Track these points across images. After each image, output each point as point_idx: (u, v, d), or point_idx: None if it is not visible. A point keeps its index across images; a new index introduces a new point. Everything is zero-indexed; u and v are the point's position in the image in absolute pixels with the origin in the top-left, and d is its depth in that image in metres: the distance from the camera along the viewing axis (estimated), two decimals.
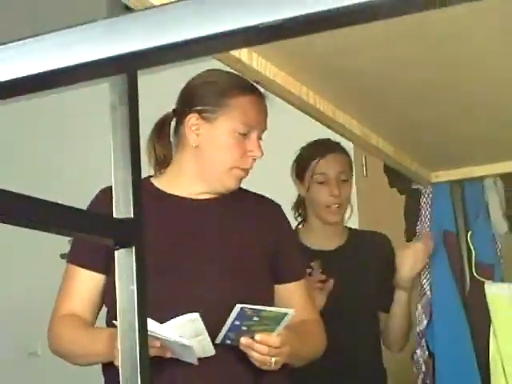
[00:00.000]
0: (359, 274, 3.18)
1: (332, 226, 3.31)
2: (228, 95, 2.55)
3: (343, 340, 3.12)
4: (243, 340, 2.39)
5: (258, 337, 2.38)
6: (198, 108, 2.55)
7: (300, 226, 3.41)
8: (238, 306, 2.38)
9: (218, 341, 2.43)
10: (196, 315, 2.33)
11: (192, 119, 2.55)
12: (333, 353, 2.95)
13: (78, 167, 5.22)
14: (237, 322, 2.41)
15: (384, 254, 3.38)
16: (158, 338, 2.26)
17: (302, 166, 3.29)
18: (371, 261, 3.32)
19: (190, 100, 2.60)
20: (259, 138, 2.59)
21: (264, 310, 2.44)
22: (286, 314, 2.46)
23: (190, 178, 2.61)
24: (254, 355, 2.40)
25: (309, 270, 3.03)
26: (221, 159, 2.56)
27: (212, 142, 2.56)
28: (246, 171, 2.59)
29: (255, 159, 2.57)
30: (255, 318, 2.43)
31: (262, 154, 2.57)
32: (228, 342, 2.45)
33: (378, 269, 3.32)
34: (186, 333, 2.33)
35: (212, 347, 2.40)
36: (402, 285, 3.27)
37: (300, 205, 3.39)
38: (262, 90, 2.54)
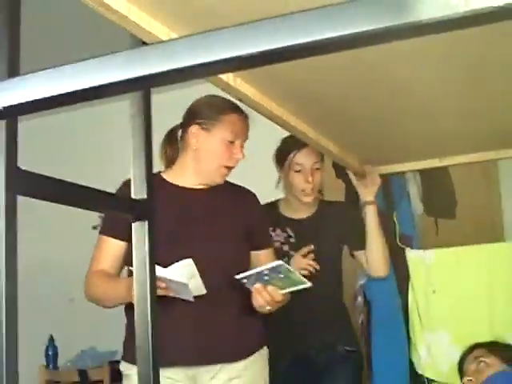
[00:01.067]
0: (325, 235, 3.17)
1: (306, 204, 3.27)
2: (222, 113, 2.62)
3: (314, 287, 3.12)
4: (258, 285, 2.46)
5: (270, 289, 2.46)
6: (200, 121, 2.62)
7: (281, 199, 3.37)
8: (279, 262, 2.44)
9: (238, 276, 2.46)
10: (190, 260, 2.38)
11: (194, 129, 2.62)
12: (306, 298, 2.98)
13: (107, 162, 5.21)
14: (265, 272, 2.44)
15: (345, 212, 3.35)
16: (163, 280, 2.29)
17: (281, 156, 3.25)
18: (335, 222, 3.27)
19: (193, 115, 2.67)
20: (242, 145, 2.65)
21: (293, 273, 2.49)
22: (303, 283, 2.51)
23: (190, 173, 2.67)
24: (259, 299, 2.48)
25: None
26: (213, 159, 2.62)
27: (208, 146, 2.62)
28: (230, 169, 2.65)
29: (238, 160, 2.63)
30: (280, 275, 2.46)
31: (244, 157, 2.64)
32: (244, 281, 2.47)
33: (344, 223, 3.29)
34: (183, 275, 2.36)
35: (203, 287, 2.42)
36: (368, 200, 3.26)
37: (282, 183, 3.35)
38: (245, 110, 2.64)
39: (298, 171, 3.18)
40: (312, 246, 3.06)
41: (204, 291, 2.43)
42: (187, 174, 2.68)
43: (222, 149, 2.61)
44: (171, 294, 2.37)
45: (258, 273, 2.45)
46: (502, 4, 0.62)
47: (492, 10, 0.63)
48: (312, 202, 3.29)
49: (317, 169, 3.19)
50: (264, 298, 2.47)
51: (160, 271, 2.28)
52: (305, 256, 3.05)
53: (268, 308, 2.51)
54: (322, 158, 3.22)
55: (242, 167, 2.66)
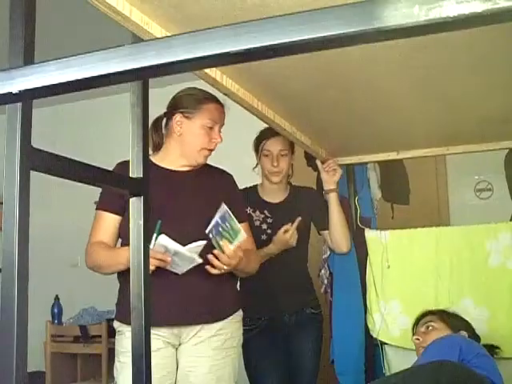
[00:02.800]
0: (296, 216, 3.18)
1: (276, 185, 3.30)
2: (201, 102, 2.64)
3: (280, 258, 3.16)
4: (210, 256, 2.47)
5: (222, 244, 2.50)
6: (182, 110, 2.64)
7: (259, 184, 3.40)
8: (224, 206, 2.52)
9: (207, 231, 2.48)
10: (204, 242, 2.44)
11: (178, 117, 2.64)
12: (280, 267, 3.12)
13: (108, 147, 5.18)
14: (219, 221, 2.49)
15: (313, 197, 3.38)
16: (170, 254, 2.37)
17: (256, 144, 3.30)
18: (305, 205, 3.30)
19: (176, 105, 2.67)
20: (219, 131, 2.67)
21: (233, 220, 2.54)
22: (240, 232, 2.55)
23: (175, 156, 2.68)
24: (215, 262, 2.47)
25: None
26: (195, 143, 2.63)
27: (190, 132, 2.63)
28: (211, 151, 2.67)
29: (217, 144, 2.65)
30: (227, 224, 2.52)
31: (221, 141, 2.66)
32: (210, 235, 2.48)
33: (312, 206, 3.32)
34: (193, 251, 2.43)
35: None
36: (330, 188, 3.28)
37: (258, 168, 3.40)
38: (222, 100, 2.65)
39: (266, 156, 3.25)
40: (290, 225, 3.09)
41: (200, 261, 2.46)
42: (172, 157, 2.68)
43: (202, 134, 2.62)
44: (167, 267, 2.41)
45: (215, 222, 2.49)
46: (456, 15, 0.62)
47: (448, 20, 0.63)
48: (283, 187, 3.35)
49: (282, 155, 3.25)
50: (220, 258, 2.48)
51: (178, 247, 2.37)
52: (285, 232, 3.09)
53: (226, 268, 2.50)
54: (290, 147, 3.26)
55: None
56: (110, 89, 5.34)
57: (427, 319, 2.82)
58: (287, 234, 3.08)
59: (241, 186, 3.00)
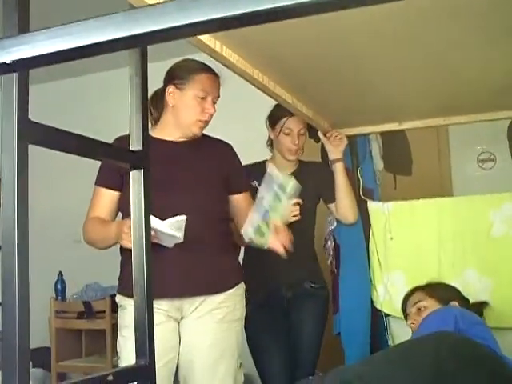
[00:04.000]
0: (303, 189, 3.18)
1: (289, 161, 3.32)
2: (193, 73, 2.62)
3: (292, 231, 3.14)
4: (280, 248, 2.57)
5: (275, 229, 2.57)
6: (175, 81, 2.63)
7: (268, 158, 3.41)
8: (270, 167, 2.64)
9: (247, 239, 2.55)
10: (183, 217, 2.37)
11: (170, 88, 2.63)
12: None
13: (107, 120, 5.16)
14: (264, 194, 2.56)
15: (321, 170, 3.38)
16: (154, 230, 2.27)
17: (274, 120, 3.29)
18: (312, 178, 3.29)
19: (169, 77, 2.66)
20: (214, 101, 2.64)
21: (279, 175, 2.62)
22: (290, 179, 2.64)
23: (171, 128, 2.67)
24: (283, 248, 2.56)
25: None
26: (188, 113, 2.62)
27: (182, 103, 2.62)
28: (205, 122, 2.64)
29: (211, 114, 2.62)
30: (274, 188, 2.57)
31: (215, 111, 2.63)
32: (252, 236, 2.54)
33: (320, 180, 3.33)
34: (173, 226, 2.36)
35: (182, 238, 2.40)
36: (337, 158, 3.29)
37: (271, 144, 3.40)
38: (216, 71, 2.63)
39: (287, 134, 3.24)
40: (300, 201, 3.06)
41: (182, 240, 2.41)
42: (169, 129, 2.67)
43: (194, 104, 2.60)
44: (155, 241, 2.36)
45: (259, 199, 2.56)
46: None
47: None
48: (294, 162, 3.35)
49: (301, 134, 3.25)
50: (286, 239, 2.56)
51: (156, 223, 2.29)
52: (293, 204, 3.08)
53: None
54: (306, 125, 3.26)
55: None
56: (110, 63, 5.33)
57: (416, 298, 2.82)
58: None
59: (247, 161, 3.00)
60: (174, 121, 2.65)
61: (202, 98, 2.60)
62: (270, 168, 2.69)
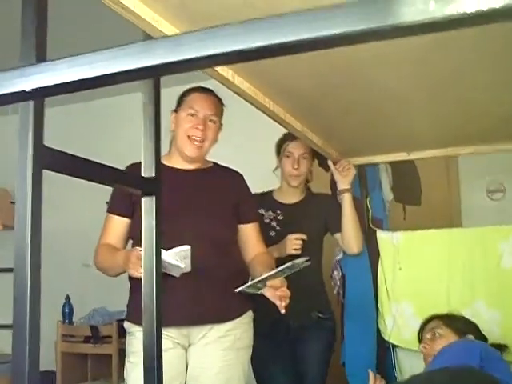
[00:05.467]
0: (308, 217, 3.20)
1: (294, 188, 3.32)
2: (185, 95, 2.69)
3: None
4: (278, 302, 2.47)
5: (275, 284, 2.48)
6: (174, 109, 2.68)
7: (276, 188, 3.43)
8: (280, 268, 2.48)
9: (237, 290, 2.49)
10: (188, 247, 2.37)
11: (172, 115, 2.68)
12: None
13: (120, 147, 5.18)
14: (263, 279, 2.45)
15: (328, 201, 3.38)
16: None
17: (278, 146, 3.33)
18: (319, 209, 3.32)
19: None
20: (207, 119, 2.63)
21: (293, 264, 2.53)
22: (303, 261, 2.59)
23: (175, 154, 2.71)
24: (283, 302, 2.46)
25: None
26: (180, 132, 2.64)
27: (177, 124, 2.66)
28: (199, 142, 2.62)
29: (201, 130, 2.61)
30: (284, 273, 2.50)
31: (204, 128, 2.61)
32: (245, 289, 2.49)
33: (327, 210, 3.33)
34: (178, 256, 2.36)
35: (189, 268, 2.40)
36: (344, 188, 3.28)
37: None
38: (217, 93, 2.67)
39: (288, 157, 3.27)
40: (304, 236, 3.12)
41: (189, 270, 2.41)
42: (175, 156, 2.70)
43: (184, 121, 2.63)
44: (162, 270, 2.36)
45: (253, 283, 2.48)
46: (474, 11, 0.61)
47: (465, 16, 0.62)
48: (300, 190, 3.37)
49: (304, 158, 3.26)
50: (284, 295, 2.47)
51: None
52: (296, 239, 3.11)
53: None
54: (310, 151, 3.27)
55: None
56: (122, 88, 5.36)
57: (432, 325, 2.80)
58: (290, 241, 3.11)
59: (256, 190, 3.01)
60: (175, 145, 2.69)
61: (192, 115, 2.62)
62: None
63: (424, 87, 2.26)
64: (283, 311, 2.46)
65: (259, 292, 2.51)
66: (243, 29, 0.69)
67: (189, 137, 2.62)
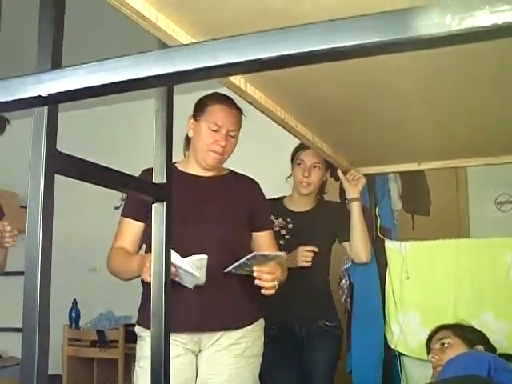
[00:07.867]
0: (318, 226, 3.21)
1: (304, 196, 3.33)
2: (207, 104, 2.65)
3: (306, 270, 3.16)
4: (257, 281, 2.46)
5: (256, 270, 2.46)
6: (194, 113, 2.68)
7: (287, 195, 3.44)
8: (253, 254, 2.45)
9: (226, 270, 2.47)
10: (205, 256, 2.37)
11: (191, 121, 2.67)
12: (297, 279, 3.04)
13: (133, 153, 5.20)
14: (246, 262, 2.44)
15: (338, 209, 3.39)
16: (174, 266, 2.28)
17: (292, 156, 3.34)
18: (329, 217, 3.33)
19: (193, 110, 2.70)
20: (229, 134, 2.62)
21: (268, 255, 2.52)
22: (279, 255, 2.56)
23: (193, 161, 2.70)
24: (265, 280, 2.45)
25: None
26: (201, 144, 2.63)
27: (197, 134, 2.65)
28: (220, 155, 2.62)
29: (223, 147, 2.59)
30: (259, 260, 2.47)
31: (226, 144, 2.61)
32: (233, 271, 2.47)
33: (336, 219, 3.34)
34: (194, 265, 2.36)
35: (204, 280, 2.41)
36: (353, 197, 3.28)
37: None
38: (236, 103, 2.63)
39: (299, 165, 3.29)
40: (316, 249, 3.15)
41: (203, 282, 2.42)
42: (192, 162, 2.70)
43: (206, 135, 2.60)
44: (176, 279, 2.37)
45: (240, 264, 2.46)
46: (489, 25, 0.61)
47: (481, 30, 0.62)
48: (311, 199, 3.39)
49: (315, 167, 3.28)
50: (265, 278, 2.46)
51: (177, 259, 2.29)
52: (308, 251, 3.14)
53: (275, 283, 2.49)
54: (322, 161, 3.27)
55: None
56: (135, 94, 5.37)
57: (441, 335, 2.79)
58: (301, 253, 3.14)
59: (268, 196, 3.01)
60: (193, 153, 2.68)
61: (215, 131, 2.60)
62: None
63: (435, 98, 2.26)
64: (266, 292, 2.47)
65: (246, 274, 2.50)
66: (258, 39, 0.69)
67: (208, 149, 2.62)
